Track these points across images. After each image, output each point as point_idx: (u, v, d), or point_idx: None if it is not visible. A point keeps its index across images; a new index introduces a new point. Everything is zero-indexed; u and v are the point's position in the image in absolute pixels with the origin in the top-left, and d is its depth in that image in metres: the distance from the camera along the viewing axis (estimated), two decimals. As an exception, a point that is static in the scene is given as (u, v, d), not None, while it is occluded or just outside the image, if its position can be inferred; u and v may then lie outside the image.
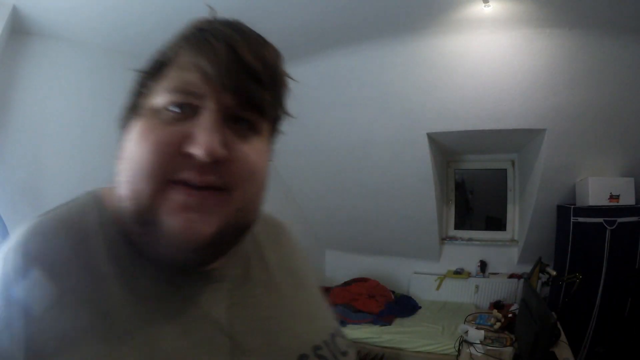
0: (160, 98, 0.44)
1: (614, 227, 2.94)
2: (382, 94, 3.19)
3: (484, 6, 2.26)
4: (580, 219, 3.03)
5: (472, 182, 4.45)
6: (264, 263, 0.58)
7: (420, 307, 3.87)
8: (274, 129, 0.53)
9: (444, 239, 4.20)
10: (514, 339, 2.38)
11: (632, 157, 3.06)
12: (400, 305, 3.85)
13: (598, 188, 3.02)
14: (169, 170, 0.42)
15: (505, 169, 4.08)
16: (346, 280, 4.32)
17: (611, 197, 3.00)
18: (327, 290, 4.15)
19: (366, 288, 3.98)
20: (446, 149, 3.97)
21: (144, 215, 0.42)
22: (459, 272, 4.03)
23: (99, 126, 2.63)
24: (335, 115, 3.49)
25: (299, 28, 2.60)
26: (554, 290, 3.11)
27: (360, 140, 3.59)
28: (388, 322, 3.56)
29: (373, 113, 3.36)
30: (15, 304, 0.39)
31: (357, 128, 3.51)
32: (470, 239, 4.12)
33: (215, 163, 0.41)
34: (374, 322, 3.57)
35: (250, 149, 0.46)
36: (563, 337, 2.36)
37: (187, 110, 0.43)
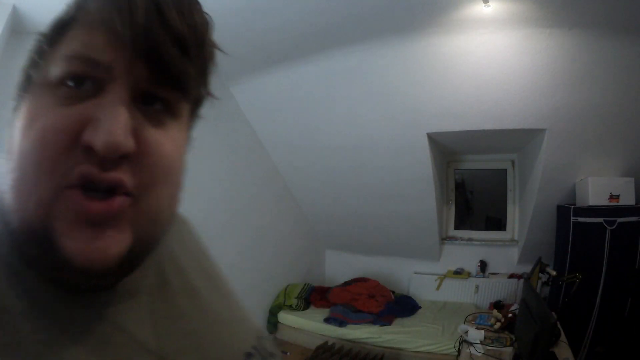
0: (55, 68, 0.33)
1: (614, 227, 2.94)
2: (382, 94, 3.19)
3: (484, 6, 2.26)
4: (580, 219, 3.03)
5: (472, 182, 4.45)
6: (178, 267, 0.49)
7: (420, 307, 3.87)
8: (194, 113, 0.42)
9: (444, 239, 4.21)
10: (514, 339, 2.37)
11: (632, 157, 3.06)
12: (400, 305, 3.86)
13: (598, 188, 3.02)
14: (62, 169, 0.31)
15: (505, 169, 4.09)
16: (346, 280, 4.32)
17: (611, 197, 3.01)
18: (327, 290, 4.15)
19: (366, 288, 3.99)
20: (446, 149, 3.97)
21: (34, 233, 0.31)
22: (459, 272, 4.04)
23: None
24: (335, 114, 3.49)
25: (298, 27, 2.60)
26: (554, 290, 3.12)
27: (360, 140, 3.59)
28: (388, 322, 3.57)
29: (373, 113, 3.36)
30: None
31: (357, 128, 3.51)
32: (470, 239, 4.13)
33: (121, 158, 0.31)
34: (374, 322, 3.57)
35: (166, 138, 0.35)
36: (563, 337, 2.36)
37: (89, 85, 0.32)
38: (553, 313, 2.71)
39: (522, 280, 3.41)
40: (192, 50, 0.35)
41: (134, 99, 0.33)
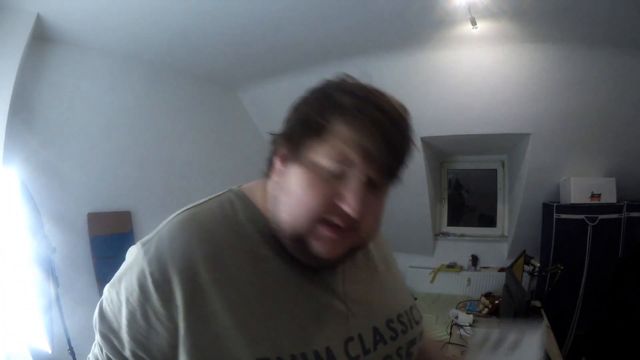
0: (322, 159, 0.55)
1: (595, 223, 3.08)
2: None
3: (472, 28, 2.40)
4: (563, 216, 3.17)
5: (467, 181, 4.53)
6: (366, 253, 0.74)
7: (415, 299, 3.95)
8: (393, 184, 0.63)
9: (438, 234, 4.30)
10: (500, 322, 2.56)
11: (613, 159, 3.19)
12: (397, 297, 3.98)
13: (580, 187, 3.14)
14: (322, 213, 0.54)
15: (496, 169, 4.19)
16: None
17: (592, 195, 3.13)
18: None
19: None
20: (440, 151, 4.09)
21: (298, 236, 0.56)
22: (451, 266, 4.13)
23: (119, 132, 2.71)
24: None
25: (304, 41, 2.75)
26: (540, 282, 3.26)
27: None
28: (385, 313, 3.68)
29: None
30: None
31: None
32: (462, 235, 4.22)
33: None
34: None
35: (378, 205, 0.59)
36: (547, 322, 2.55)
37: (339, 171, 0.54)
38: (538, 301, 2.91)
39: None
40: (406, 156, 0.59)
41: (365, 186, 0.56)
